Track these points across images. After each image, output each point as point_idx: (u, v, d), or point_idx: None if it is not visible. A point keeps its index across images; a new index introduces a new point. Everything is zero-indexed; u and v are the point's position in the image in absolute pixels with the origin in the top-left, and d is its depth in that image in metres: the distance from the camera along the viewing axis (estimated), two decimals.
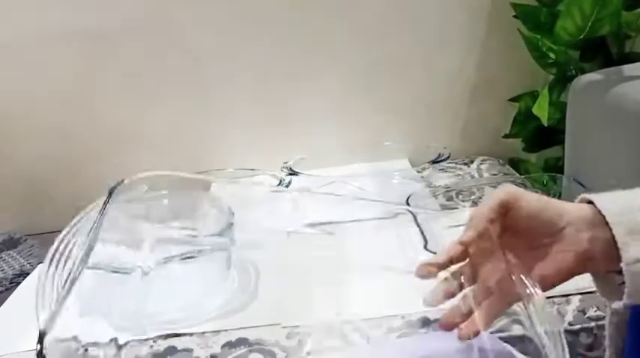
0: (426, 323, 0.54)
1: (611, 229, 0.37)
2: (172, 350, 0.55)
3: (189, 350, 0.55)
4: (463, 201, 0.84)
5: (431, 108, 1.04)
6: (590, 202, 0.39)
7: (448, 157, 0.89)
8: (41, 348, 0.32)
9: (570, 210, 0.39)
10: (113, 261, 0.58)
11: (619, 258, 0.36)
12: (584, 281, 0.58)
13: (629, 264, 0.36)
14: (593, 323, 0.53)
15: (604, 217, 0.37)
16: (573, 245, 0.38)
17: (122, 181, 0.51)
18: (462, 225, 0.79)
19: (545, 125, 0.78)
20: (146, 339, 0.57)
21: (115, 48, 0.95)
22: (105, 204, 0.48)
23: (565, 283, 0.53)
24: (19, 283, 0.75)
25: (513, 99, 0.98)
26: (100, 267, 0.58)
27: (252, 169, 0.99)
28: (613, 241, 0.37)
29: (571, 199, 0.42)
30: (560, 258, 0.39)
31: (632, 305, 0.37)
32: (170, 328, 0.58)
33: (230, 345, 0.55)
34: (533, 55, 0.83)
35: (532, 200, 0.39)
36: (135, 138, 1.02)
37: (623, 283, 0.37)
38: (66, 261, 0.50)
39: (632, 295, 0.36)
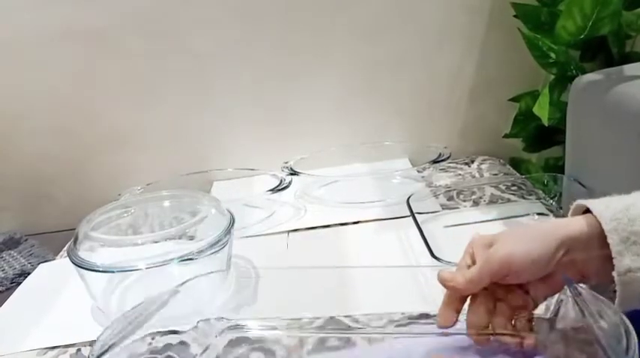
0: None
1: (606, 237, 0.37)
2: (170, 346, 0.55)
3: (186, 344, 0.55)
4: (464, 200, 0.84)
5: (431, 107, 1.04)
6: (587, 211, 0.39)
7: (449, 157, 0.89)
8: None
9: (563, 236, 0.39)
10: (114, 262, 0.58)
11: (612, 267, 0.37)
12: None
13: (621, 274, 0.36)
14: None
15: (600, 224, 0.37)
16: (569, 270, 0.40)
17: None
18: (461, 224, 0.80)
19: (546, 125, 0.78)
20: (144, 337, 0.57)
21: (115, 48, 0.95)
22: None
23: None
24: (19, 283, 0.75)
25: (514, 99, 0.98)
26: (102, 269, 0.58)
27: (252, 169, 0.99)
28: (608, 252, 0.37)
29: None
30: (557, 281, 0.40)
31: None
32: (169, 325, 0.58)
33: (231, 344, 0.55)
34: (534, 55, 0.83)
35: (524, 259, 0.39)
36: (135, 137, 1.02)
37: (615, 291, 0.37)
38: None
39: (624, 304, 0.37)
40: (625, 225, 0.36)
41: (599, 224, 0.37)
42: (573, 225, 0.39)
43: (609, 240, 0.36)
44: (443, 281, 0.43)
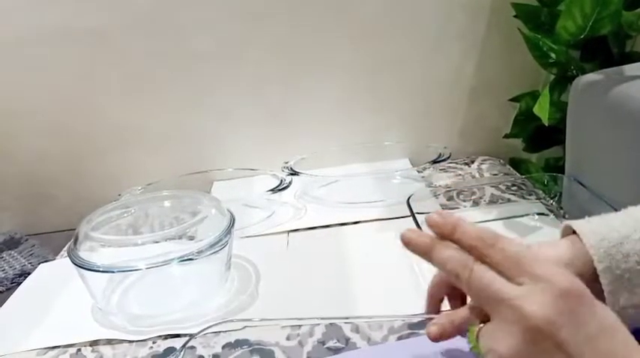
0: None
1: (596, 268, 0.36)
2: (172, 350, 0.56)
3: (192, 348, 0.55)
4: (464, 201, 0.84)
5: (431, 108, 1.04)
6: (574, 232, 0.39)
7: (449, 157, 0.89)
8: None
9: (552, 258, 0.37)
10: (114, 262, 0.58)
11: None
12: None
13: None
14: None
15: (592, 260, 0.36)
16: None
17: None
18: None
19: (546, 125, 0.78)
20: (145, 340, 0.57)
21: (115, 48, 0.95)
22: None
23: None
24: (19, 283, 0.75)
25: (514, 99, 0.98)
26: (103, 269, 0.58)
27: (253, 169, 0.99)
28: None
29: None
30: None
31: None
32: (170, 329, 0.58)
33: (230, 346, 0.55)
34: (534, 55, 0.83)
35: None
36: (135, 137, 1.02)
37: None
38: None
39: None
40: (619, 261, 0.35)
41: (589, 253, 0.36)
42: (562, 251, 0.38)
43: (602, 280, 0.35)
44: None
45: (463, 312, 0.37)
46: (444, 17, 0.96)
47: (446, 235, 0.34)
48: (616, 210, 0.59)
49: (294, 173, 0.89)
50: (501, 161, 1.02)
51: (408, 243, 0.34)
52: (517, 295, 0.27)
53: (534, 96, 0.91)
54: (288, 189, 0.84)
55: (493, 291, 0.28)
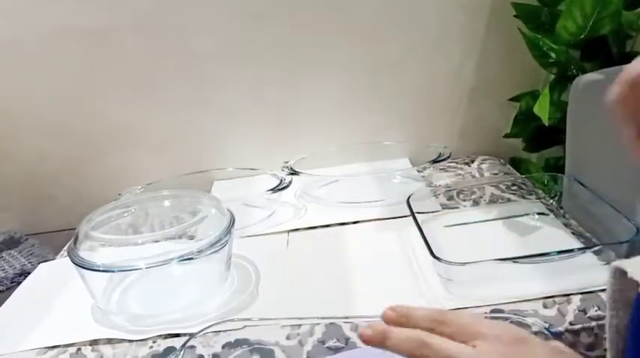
0: None
1: None
2: (172, 350, 0.55)
3: (191, 347, 0.55)
4: (464, 200, 0.84)
5: (431, 107, 1.04)
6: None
7: (449, 157, 0.89)
8: None
9: None
10: (114, 261, 0.58)
11: None
12: (586, 280, 0.58)
13: None
14: (594, 323, 0.53)
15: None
16: None
17: None
18: (461, 224, 0.80)
19: (546, 125, 0.78)
20: (145, 339, 0.57)
21: (115, 48, 0.95)
22: None
23: (566, 282, 0.52)
24: (19, 282, 0.75)
25: (514, 99, 0.98)
26: (103, 268, 0.58)
27: (253, 169, 0.99)
28: None
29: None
30: None
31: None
32: (170, 329, 0.58)
33: (230, 346, 0.55)
34: (534, 55, 0.83)
35: None
36: (135, 137, 1.02)
37: None
38: None
39: None
40: None
41: None
42: None
43: None
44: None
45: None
46: (444, 17, 0.96)
47: (401, 325, 0.37)
48: (616, 210, 0.59)
49: (294, 173, 0.89)
50: (501, 161, 1.02)
51: (368, 342, 0.36)
52: (472, 354, 0.31)
53: (534, 96, 0.91)
54: (288, 188, 0.84)
55: (453, 356, 0.31)
